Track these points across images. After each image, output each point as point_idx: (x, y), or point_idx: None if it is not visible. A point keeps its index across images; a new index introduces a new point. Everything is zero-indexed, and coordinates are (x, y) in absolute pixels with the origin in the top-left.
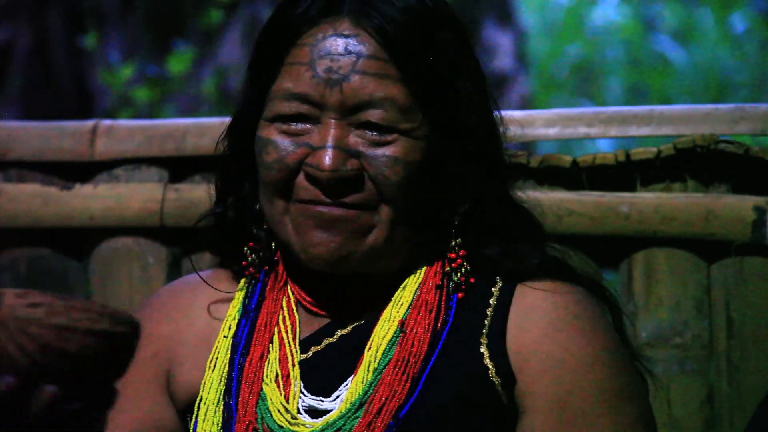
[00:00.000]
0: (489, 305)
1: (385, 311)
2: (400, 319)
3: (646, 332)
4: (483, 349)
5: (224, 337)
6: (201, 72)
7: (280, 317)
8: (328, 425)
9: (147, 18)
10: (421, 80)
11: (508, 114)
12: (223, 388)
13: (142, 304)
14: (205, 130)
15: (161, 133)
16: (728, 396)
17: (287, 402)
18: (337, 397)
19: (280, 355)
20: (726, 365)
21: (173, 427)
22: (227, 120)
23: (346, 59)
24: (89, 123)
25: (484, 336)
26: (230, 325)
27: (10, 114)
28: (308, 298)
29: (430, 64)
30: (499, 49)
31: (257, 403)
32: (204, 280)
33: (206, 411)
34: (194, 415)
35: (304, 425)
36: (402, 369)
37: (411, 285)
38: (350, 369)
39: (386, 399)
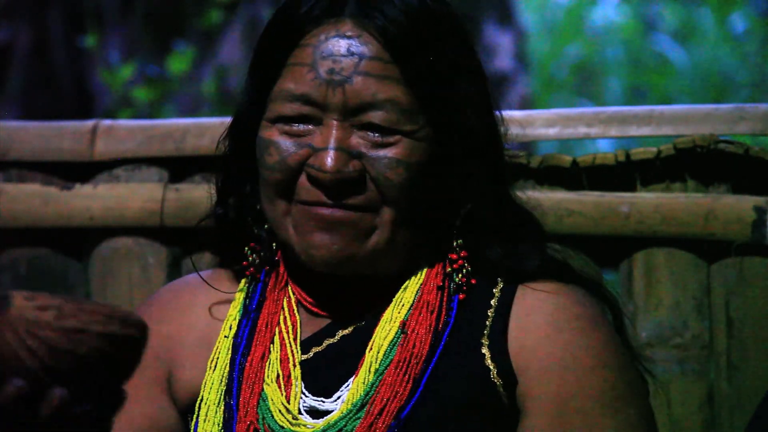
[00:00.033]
0: (490, 306)
1: (387, 312)
2: (401, 320)
3: (646, 332)
4: (484, 350)
5: (225, 337)
6: (201, 72)
7: (281, 318)
8: (330, 426)
9: (147, 18)
10: (424, 81)
11: (508, 114)
12: (224, 388)
13: (142, 304)
14: (205, 130)
15: (161, 133)
16: (728, 396)
17: (288, 402)
18: (338, 397)
19: (281, 355)
20: (726, 365)
21: (174, 428)
22: (227, 120)
23: (349, 60)
24: (89, 123)
25: (486, 337)
26: (231, 326)
27: (10, 114)
28: (309, 299)
29: (433, 65)
30: (499, 49)
31: (258, 403)
32: (204, 281)
33: (207, 411)
34: (195, 416)
35: (305, 426)
36: (403, 370)
37: (412, 286)
38: (351, 370)
39: (388, 400)
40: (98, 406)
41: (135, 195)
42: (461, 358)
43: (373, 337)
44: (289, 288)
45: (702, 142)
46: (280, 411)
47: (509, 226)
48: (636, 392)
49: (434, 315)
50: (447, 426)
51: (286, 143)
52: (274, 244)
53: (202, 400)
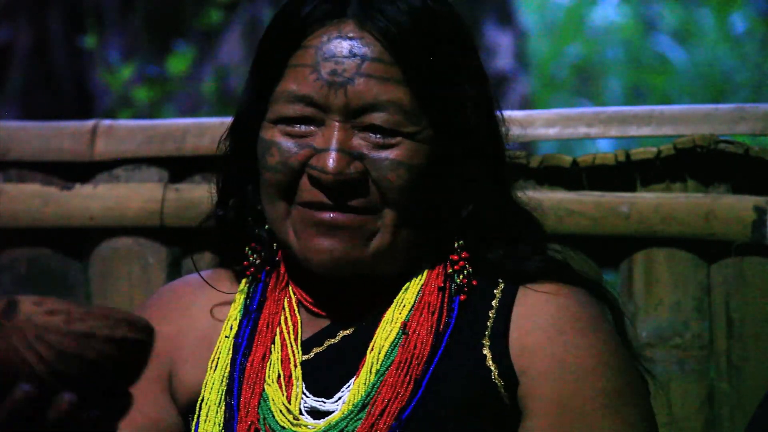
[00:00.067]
0: (491, 307)
1: (388, 313)
2: (402, 320)
3: (646, 332)
4: (485, 351)
5: (226, 337)
6: (201, 72)
7: (282, 318)
8: (331, 426)
9: (147, 18)
10: (426, 83)
11: (508, 114)
12: (225, 388)
13: (142, 304)
14: (205, 130)
15: (161, 133)
16: (728, 396)
17: (289, 403)
18: (339, 398)
19: (282, 355)
20: (726, 365)
21: (175, 428)
22: (227, 120)
23: (351, 62)
24: (89, 123)
25: (487, 338)
26: (232, 326)
27: (10, 114)
28: (310, 299)
29: (435, 66)
30: (499, 49)
31: (259, 403)
32: (205, 281)
33: (208, 411)
34: (196, 416)
35: (306, 426)
36: (404, 370)
37: (413, 287)
38: (352, 370)
39: (389, 400)
40: (105, 409)
41: (135, 195)
42: (462, 359)
43: (374, 337)
44: (290, 288)
45: (702, 142)
46: (281, 411)
47: (510, 227)
48: (637, 393)
49: (435, 316)
50: (448, 427)
51: (288, 144)
52: (274, 245)
53: (202, 400)
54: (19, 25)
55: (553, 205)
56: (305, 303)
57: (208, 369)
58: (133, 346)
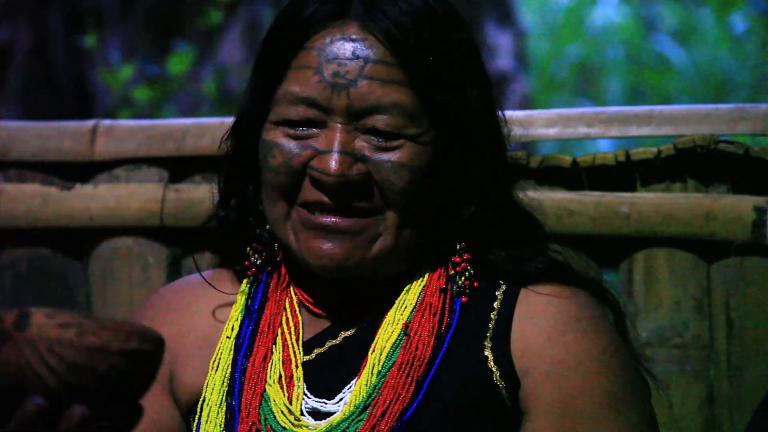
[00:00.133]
0: (493, 309)
1: (389, 314)
2: (404, 322)
3: (646, 332)
4: (487, 353)
5: (227, 337)
6: (201, 72)
7: (284, 318)
8: (332, 428)
9: (147, 18)
10: (428, 85)
11: (508, 114)
12: (226, 389)
13: (143, 305)
14: (205, 130)
15: (161, 133)
16: (728, 396)
17: (290, 403)
18: (341, 399)
19: (283, 356)
20: (726, 365)
21: (176, 428)
22: (227, 120)
23: (354, 64)
24: (89, 123)
25: (488, 339)
26: (233, 326)
27: (10, 114)
28: (311, 300)
29: (438, 68)
30: (499, 49)
31: (260, 404)
32: (206, 281)
33: (209, 412)
34: (197, 416)
35: (307, 427)
36: (406, 372)
37: (415, 288)
38: (353, 371)
39: (390, 402)
40: (116, 421)
41: (135, 195)
42: (464, 361)
43: (376, 338)
44: (291, 289)
45: (702, 142)
46: (282, 412)
47: (512, 229)
48: (638, 394)
49: (437, 317)
50: (449, 428)
51: (290, 146)
52: (275, 245)
53: (204, 401)
54: (19, 25)
55: (553, 205)
56: (306, 303)
57: (210, 370)
58: (144, 358)
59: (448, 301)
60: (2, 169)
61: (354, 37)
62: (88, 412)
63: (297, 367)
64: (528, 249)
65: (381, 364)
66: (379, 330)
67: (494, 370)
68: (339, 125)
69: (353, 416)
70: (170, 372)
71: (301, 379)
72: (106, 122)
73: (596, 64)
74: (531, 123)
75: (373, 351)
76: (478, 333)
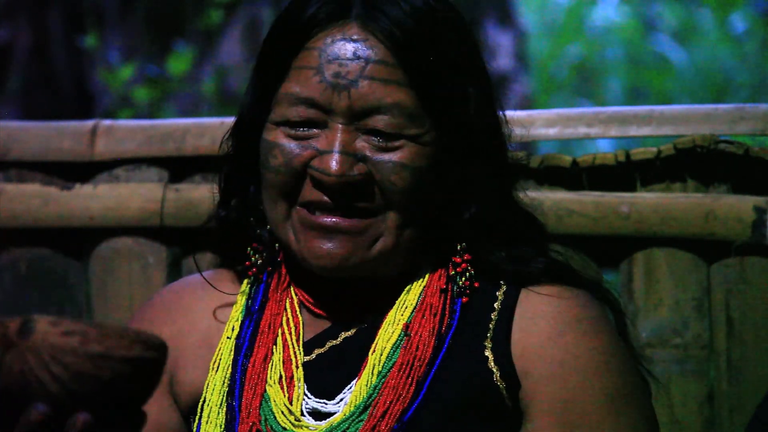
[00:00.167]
0: (493, 309)
1: (390, 314)
2: (404, 322)
3: (646, 332)
4: (487, 353)
5: (227, 338)
6: (201, 72)
7: (284, 319)
8: (333, 428)
9: (147, 18)
10: (429, 85)
11: (508, 114)
12: (227, 389)
13: (143, 305)
14: (205, 130)
15: (161, 133)
16: (728, 396)
17: (291, 404)
18: (341, 399)
19: (283, 356)
20: (726, 365)
21: (177, 429)
22: (227, 120)
23: (355, 64)
24: (89, 123)
25: (489, 339)
26: (233, 327)
27: (10, 114)
28: (311, 300)
29: (439, 68)
30: (499, 49)
31: (261, 404)
32: (207, 281)
33: (209, 413)
34: (197, 417)
35: (307, 428)
36: (406, 372)
37: (415, 289)
38: (354, 372)
39: (391, 402)
40: (120, 428)
41: (135, 195)
42: (464, 361)
43: (376, 339)
44: (292, 289)
45: (702, 142)
46: (282, 412)
47: (512, 229)
48: (639, 394)
49: (437, 318)
50: (450, 428)
51: (291, 146)
52: (276, 245)
53: (204, 401)
54: (19, 25)
55: (553, 205)
56: (307, 304)
57: (210, 370)
58: (147, 365)
59: (448, 301)
60: (2, 169)
61: (355, 37)
62: (91, 420)
63: (297, 367)
64: (528, 249)
65: (381, 364)
66: (380, 330)
67: (495, 370)
68: (340, 125)
69: (353, 417)
70: (171, 372)
71: (302, 379)
72: (106, 122)
73: (596, 64)
74: (531, 123)
75: (374, 351)
76: (478, 333)
